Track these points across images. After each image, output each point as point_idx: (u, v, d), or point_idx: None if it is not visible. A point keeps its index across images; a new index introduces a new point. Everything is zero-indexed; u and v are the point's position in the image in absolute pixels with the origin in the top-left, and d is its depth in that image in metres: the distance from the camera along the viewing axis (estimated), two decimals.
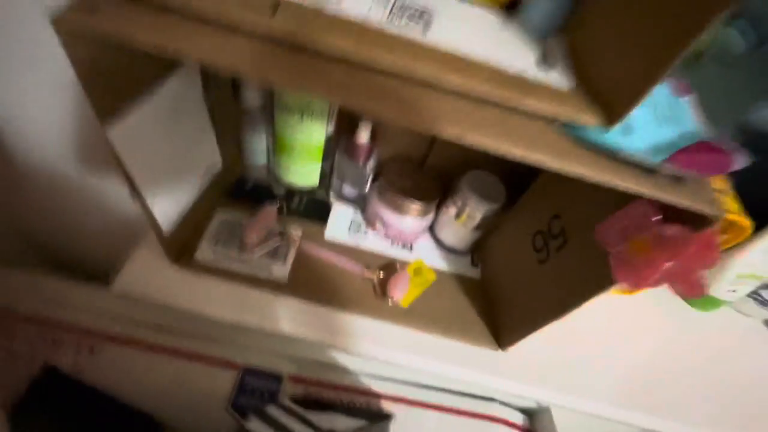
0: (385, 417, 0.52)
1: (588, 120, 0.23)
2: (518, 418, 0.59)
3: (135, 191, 0.32)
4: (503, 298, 0.47)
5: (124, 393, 0.48)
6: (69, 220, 0.60)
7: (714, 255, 0.25)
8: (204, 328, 0.56)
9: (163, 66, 0.29)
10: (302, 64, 0.22)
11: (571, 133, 0.23)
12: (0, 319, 0.49)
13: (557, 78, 0.24)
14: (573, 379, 0.47)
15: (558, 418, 0.58)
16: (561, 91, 0.23)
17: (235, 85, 0.41)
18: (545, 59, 0.25)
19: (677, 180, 0.24)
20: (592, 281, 0.33)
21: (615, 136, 0.23)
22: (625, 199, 0.29)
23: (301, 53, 0.23)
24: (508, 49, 0.25)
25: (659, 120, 0.23)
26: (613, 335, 0.52)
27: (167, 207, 0.37)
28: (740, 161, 0.22)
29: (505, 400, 0.60)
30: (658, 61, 0.20)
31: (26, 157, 0.53)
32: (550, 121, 0.24)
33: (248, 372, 0.56)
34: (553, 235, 0.38)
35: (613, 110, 0.23)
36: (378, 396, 0.58)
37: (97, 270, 0.63)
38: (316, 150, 0.46)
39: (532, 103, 0.22)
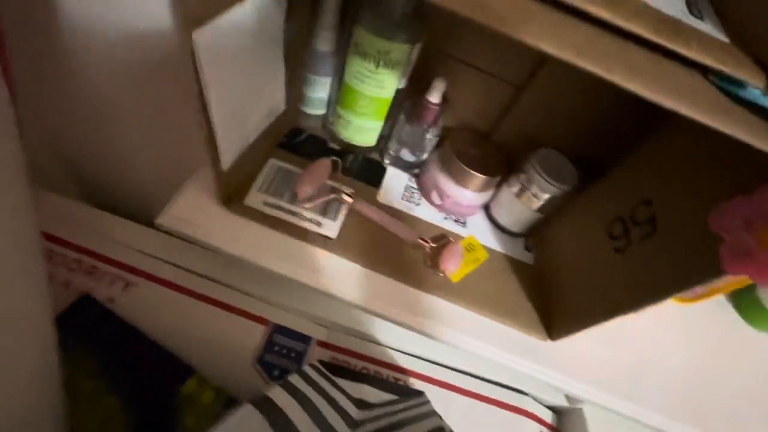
0: (417, 393, 0.50)
1: (751, 78, 0.20)
2: (547, 416, 0.57)
3: (205, 113, 0.30)
4: (560, 286, 0.44)
5: (154, 332, 0.47)
6: (119, 153, 0.59)
7: None
8: (240, 280, 0.55)
9: None
10: None
11: (728, 89, 0.20)
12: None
13: (711, 28, 0.21)
14: (617, 380, 0.44)
15: (589, 418, 0.55)
16: (721, 41, 0.20)
17: (311, 22, 0.38)
18: (692, 6, 0.22)
19: None
20: (682, 275, 0.30)
21: None
22: (740, 184, 0.26)
23: None
24: None
25: None
26: (663, 342, 0.49)
27: (231, 140, 0.35)
28: None
29: (538, 395, 0.58)
30: None
31: (85, 69, 0.51)
32: (704, 71, 0.20)
33: (278, 330, 0.55)
34: (638, 222, 0.35)
35: None
36: (406, 372, 0.56)
37: (140, 210, 0.62)
38: (383, 105, 0.43)
39: (695, 50, 0.19)
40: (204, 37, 0.24)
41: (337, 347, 0.56)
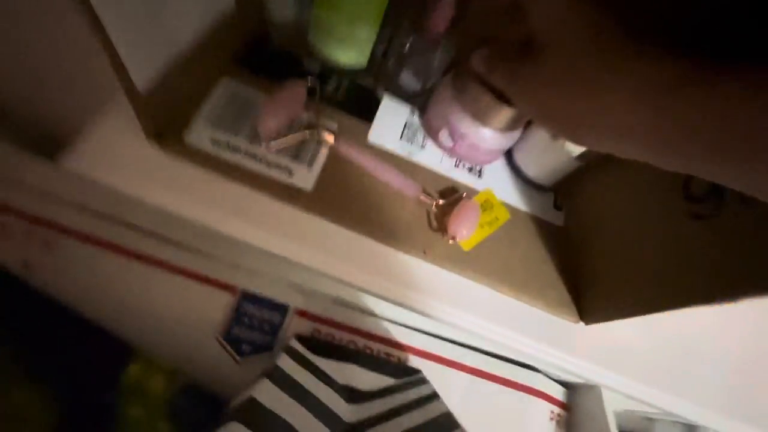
0: (414, 371, 0.42)
1: None
2: (558, 392, 0.50)
3: (87, 10, 0.17)
4: (599, 256, 0.34)
5: (83, 306, 0.37)
6: (20, 63, 0.45)
7: None
8: (197, 237, 0.44)
9: None
10: None
11: None
12: None
13: None
14: (660, 371, 0.36)
15: (607, 396, 0.49)
16: None
17: None
18: None
19: None
20: None
21: None
22: None
23: None
24: None
25: None
26: (713, 326, 0.40)
27: (144, 50, 0.22)
28: None
29: (551, 371, 0.50)
30: None
31: None
32: None
33: (247, 298, 0.45)
34: None
35: None
36: (400, 347, 0.48)
37: (58, 142, 0.49)
38: (376, 7, 0.30)
39: None
40: None
41: (318, 317, 0.47)
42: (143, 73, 0.24)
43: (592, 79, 0.19)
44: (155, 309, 0.40)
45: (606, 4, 0.20)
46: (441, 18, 0.29)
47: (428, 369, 0.47)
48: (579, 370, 0.34)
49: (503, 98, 0.31)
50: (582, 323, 0.34)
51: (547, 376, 0.52)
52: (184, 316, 0.42)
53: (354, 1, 0.30)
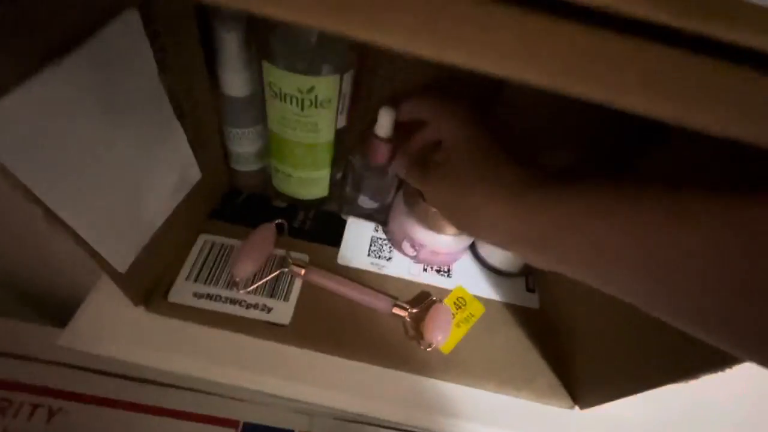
0: None
1: None
2: None
3: (54, 220, 0.21)
4: (581, 333, 0.35)
5: None
6: (23, 244, 0.50)
7: None
8: (192, 380, 0.45)
9: (77, 19, 0.19)
10: None
11: None
12: None
13: None
14: None
15: None
16: None
17: (209, 57, 0.30)
18: None
19: None
20: None
21: None
22: None
23: None
24: None
25: None
26: (713, 395, 0.39)
27: (115, 235, 0.26)
28: None
29: None
30: None
31: None
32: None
33: (249, 429, 0.45)
34: None
35: None
36: None
37: (54, 310, 0.53)
38: (323, 151, 0.35)
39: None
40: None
41: None
42: (121, 256, 0.28)
43: (468, 183, 0.23)
44: None
45: (487, 127, 0.25)
46: (380, 155, 0.34)
47: None
48: None
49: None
50: (577, 408, 0.34)
51: None
52: None
53: (301, 154, 0.34)
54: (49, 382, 0.41)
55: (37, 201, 0.20)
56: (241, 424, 0.45)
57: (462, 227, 0.25)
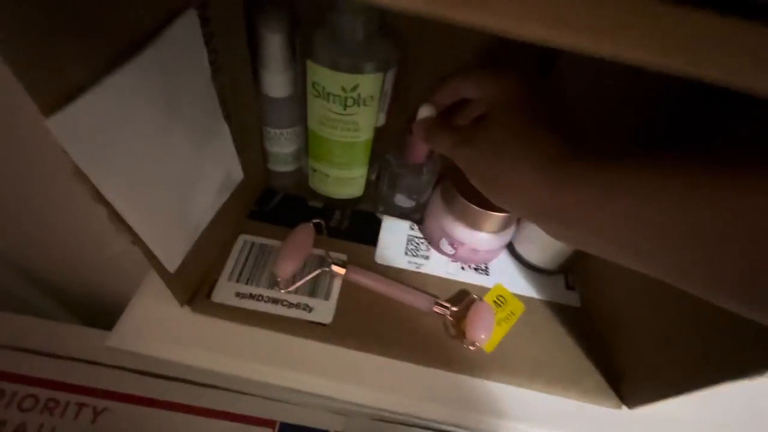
0: None
1: None
2: None
3: (117, 217, 0.22)
4: (630, 332, 0.34)
5: None
6: (70, 249, 0.51)
7: None
8: (230, 380, 0.46)
9: (143, 19, 0.19)
10: None
11: None
12: None
13: None
14: None
15: None
16: None
17: (253, 58, 0.30)
18: None
19: None
20: None
21: None
22: None
23: None
24: None
25: None
26: None
27: (169, 236, 0.26)
28: None
29: None
30: None
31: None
32: None
33: (286, 429, 0.45)
34: None
35: None
36: None
37: (103, 311, 0.54)
38: (362, 150, 0.35)
39: None
40: (65, 121, 0.16)
41: None
42: (172, 256, 0.28)
43: (505, 151, 0.22)
44: None
45: (550, 100, 0.23)
46: (417, 153, 0.34)
47: None
48: None
49: (486, 205, 0.34)
50: (625, 408, 0.33)
51: None
52: None
53: (340, 154, 0.35)
54: (95, 382, 0.42)
55: (104, 201, 0.20)
56: (278, 424, 0.45)
57: (493, 196, 0.24)
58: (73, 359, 0.42)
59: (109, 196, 0.20)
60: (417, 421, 0.47)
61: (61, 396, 0.40)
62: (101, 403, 0.41)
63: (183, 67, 0.22)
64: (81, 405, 0.40)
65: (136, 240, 0.24)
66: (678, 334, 0.29)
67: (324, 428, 0.46)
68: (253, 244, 0.37)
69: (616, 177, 0.18)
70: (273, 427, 0.45)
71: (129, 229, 0.23)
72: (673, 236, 0.17)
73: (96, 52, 0.17)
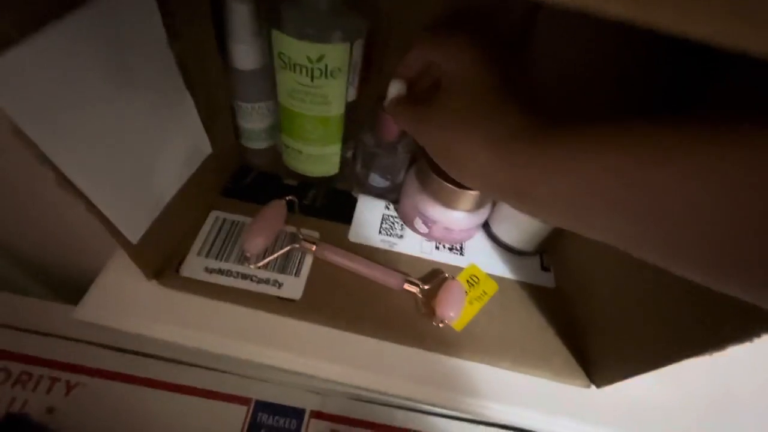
0: None
1: None
2: None
3: (67, 184, 0.21)
4: (598, 311, 0.34)
5: None
6: (35, 220, 0.51)
7: None
8: (206, 357, 0.46)
9: None
10: None
11: None
12: None
13: None
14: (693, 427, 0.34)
15: None
16: None
17: (219, 30, 0.30)
18: None
19: None
20: None
21: None
22: None
23: None
24: None
25: None
26: (742, 369, 0.38)
27: (127, 205, 0.26)
28: None
29: None
30: None
31: None
32: None
33: (262, 407, 0.45)
34: None
35: None
36: None
37: (75, 285, 0.54)
38: (334, 124, 0.35)
39: None
40: None
41: (335, 416, 0.47)
42: (133, 226, 0.28)
43: (463, 122, 0.21)
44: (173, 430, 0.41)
45: (506, 66, 0.22)
46: (390, 130, 0.33)
47: None
48: None
49: (458, 183, 0.34)
50: (594, 387, 0.33)
51: None
52: None
53: (311, 128, 0.34)
54: (68, 357, 0.42)
55: (49, 163, 0.20)
56: (253, 402, 0.45)
57: (447, 167, 0.22)
58: (47, 334, 0.42)
59: (55, 159, 0.20)
60: (392, 400, 0.47)
61: (34, 369, 0.40)
62: (75, 378, 0.41)
63: (133, 28, 0.21)
64: (54, 379, 0.40)
65: (90, 207, 0.23)
66: (647, 310, 0.29)
67: (301, 407, 0.47)
68: (224, 220, 0.37)
69: (569, 145, 0.18)
70: (248, 405, 0.45)
71: (81, 194, 0.22)
72: (626, 203, 0.16)
73: (28, 3, 0.16)
